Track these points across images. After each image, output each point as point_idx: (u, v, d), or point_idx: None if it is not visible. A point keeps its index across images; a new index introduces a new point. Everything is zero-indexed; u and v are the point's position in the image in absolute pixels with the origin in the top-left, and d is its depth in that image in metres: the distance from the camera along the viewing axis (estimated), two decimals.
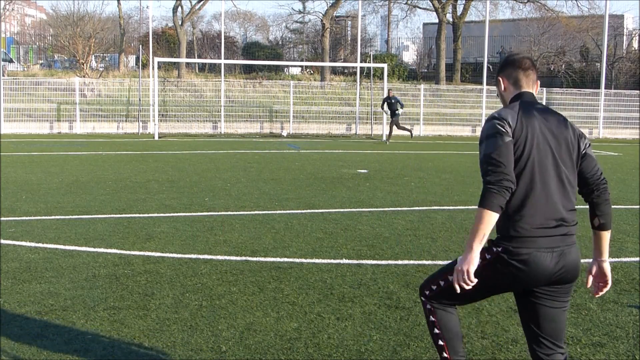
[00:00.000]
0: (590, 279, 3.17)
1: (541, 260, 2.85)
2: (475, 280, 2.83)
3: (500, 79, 3.08)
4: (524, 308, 3.08)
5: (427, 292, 3.22)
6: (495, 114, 2.91)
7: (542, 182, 2.86)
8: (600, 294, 3.17)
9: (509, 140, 2.81)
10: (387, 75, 26.97)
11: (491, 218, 2.78)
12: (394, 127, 24.36)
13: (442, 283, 3.14)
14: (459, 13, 35.56)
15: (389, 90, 25.63)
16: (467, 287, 2.85)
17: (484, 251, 2.92)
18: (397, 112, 23.77)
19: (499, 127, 2.84)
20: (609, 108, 30.65)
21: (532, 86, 3.04)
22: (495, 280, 2.96)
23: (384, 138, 25.17)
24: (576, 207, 3.01)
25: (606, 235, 3.07)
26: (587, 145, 3.00)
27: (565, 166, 2.90)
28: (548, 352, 3.04)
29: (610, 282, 3.15)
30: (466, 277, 2.82)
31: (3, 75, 27.58)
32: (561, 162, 2.89)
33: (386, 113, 25.01)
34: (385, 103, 24.27)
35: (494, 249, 2.94)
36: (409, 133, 25.14)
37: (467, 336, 4.62)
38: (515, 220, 2.87)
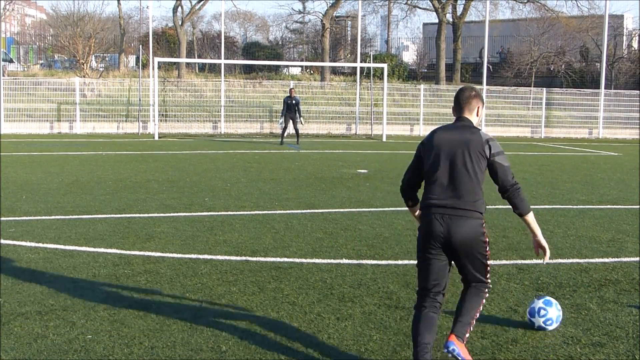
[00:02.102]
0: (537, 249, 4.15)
1: (434, 222, 3.93)
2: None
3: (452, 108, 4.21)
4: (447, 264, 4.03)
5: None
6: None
7: (440, 173, 3.96)
8: (544, 260, 4.11)
9: (417, 156, 4.12)
10: (387, 75, 26.96)
11: (409, 210, 4.30)
12: (291, 125, 22.28)
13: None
14: (459, 13, 35.54)
15: (291, 89, 22.67)
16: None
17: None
18: (298, 113, 21.83)
19: (419, 146, 4.15)
20: (608, 108, 30.64)
21: (468, 112, 4.10)
22: (423, 244, 3.99)
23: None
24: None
25: (527, 219, 4.02)
26: (494, 154, 3.94)
27: (465, 163, 3.92)
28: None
29: (547, 250, 4.08)
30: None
31: (3, 75, 27.57)
32: (462, 161, 3.93)
33: (283, 118, 22.29)
34: (286, 105, 21.73)
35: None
36: (281, 141, 22.25)
37: None
38: (423, 198, 4.06)
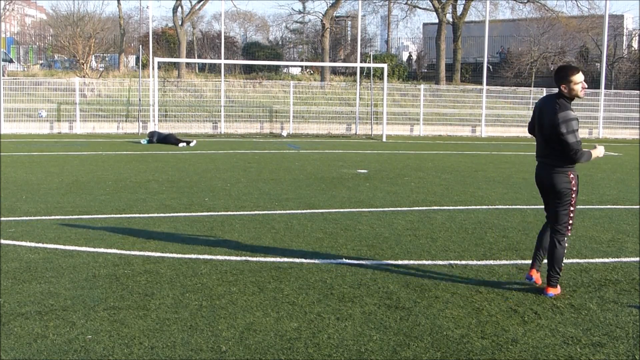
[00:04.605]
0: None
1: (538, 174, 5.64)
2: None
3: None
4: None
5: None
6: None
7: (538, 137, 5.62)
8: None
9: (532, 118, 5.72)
10: (387, 75, 26.96)
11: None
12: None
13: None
14: (459, 13, 35.54)
15: None
16: None
17: None
18: None
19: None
20: (608, 108, 30.62)
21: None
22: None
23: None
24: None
25: None
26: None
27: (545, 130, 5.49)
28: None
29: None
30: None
31: (3, 75, 27.57)
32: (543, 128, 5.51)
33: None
34: None
35: None
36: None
37: (467, 336, 4.63)
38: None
